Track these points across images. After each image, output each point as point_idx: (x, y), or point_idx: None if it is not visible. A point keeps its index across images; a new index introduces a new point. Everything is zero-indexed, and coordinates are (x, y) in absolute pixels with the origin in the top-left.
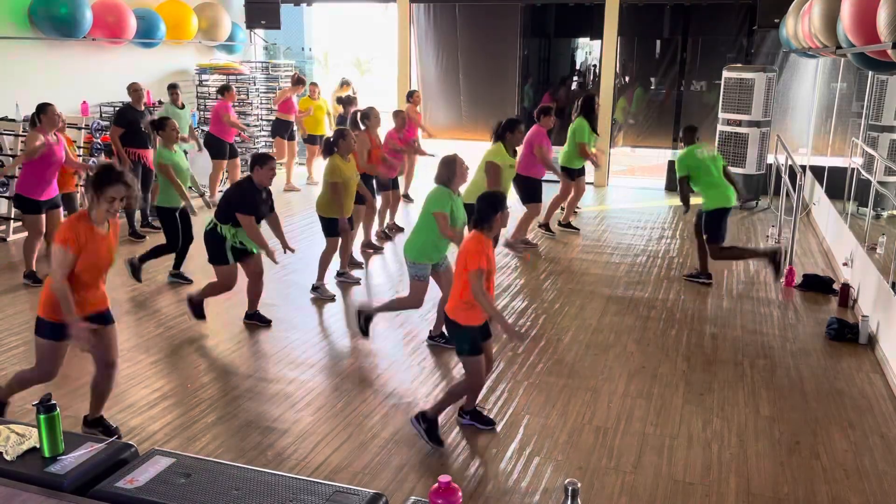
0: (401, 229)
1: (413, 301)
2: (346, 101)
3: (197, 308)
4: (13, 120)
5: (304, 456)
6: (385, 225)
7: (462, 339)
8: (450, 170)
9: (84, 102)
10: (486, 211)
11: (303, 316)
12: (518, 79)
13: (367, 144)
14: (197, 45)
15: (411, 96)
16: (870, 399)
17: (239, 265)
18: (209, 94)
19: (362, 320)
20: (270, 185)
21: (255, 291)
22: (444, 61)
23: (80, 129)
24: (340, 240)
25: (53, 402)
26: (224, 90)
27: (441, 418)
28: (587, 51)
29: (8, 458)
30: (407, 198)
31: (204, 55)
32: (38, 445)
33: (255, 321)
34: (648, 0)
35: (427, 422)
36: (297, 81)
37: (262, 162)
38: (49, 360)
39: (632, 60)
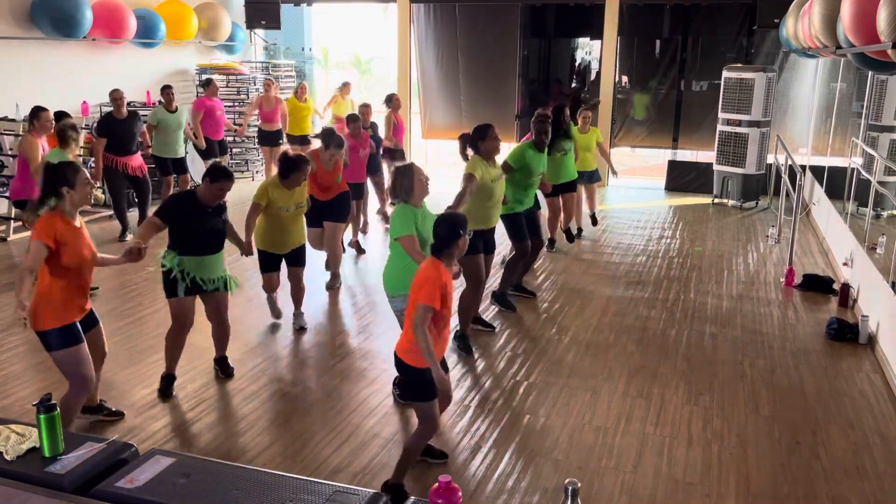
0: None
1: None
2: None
3: (164, 380)
4: (13, 120)
5: (304, 456)
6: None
7: (416, 383)
8: (407, 181)
9: (84, 102)
10: (447, 236)
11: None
12: (518, 79)
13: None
14: (197, 45)
15: (391, 100)
16: (870, 399)
17: (200, 299)
18: None
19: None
20: (214, 204)
21: (218, 334)
22: (444, 61)
23: (79, 129)
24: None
25: (53, 402)
26: (205, 85)
27: (443, 419)
28: (587, 51)
29: (8, 458)
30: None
31: (204, 55)
32: (38, 445)
33: (217, 367)
34: (648, 0)
35: (391, 490)
36: (266, 86)
37: (213, 177)
38: (78, 367)
39: (632, 60)
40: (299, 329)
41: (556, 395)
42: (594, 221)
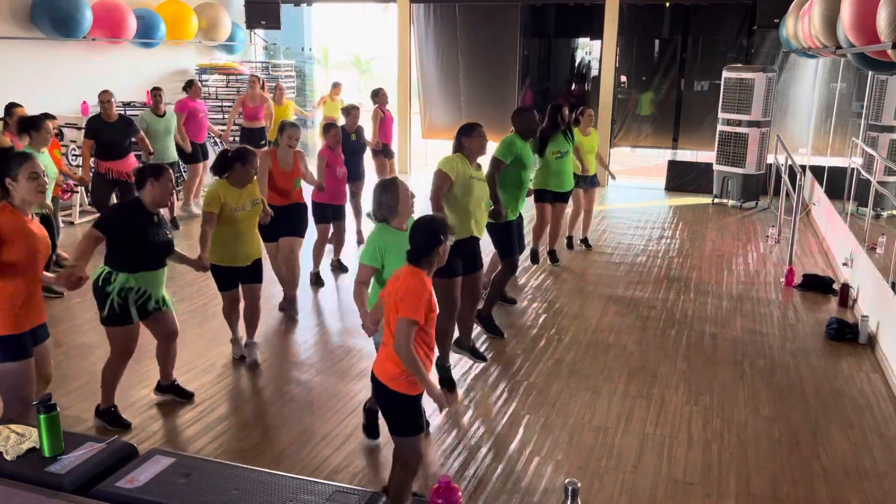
0: None
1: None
2: (346, 112)
3: (108, 415)
4: None
5: (304, 456)
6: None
7: (403, 414)
8: (390, 198)
9: (84, 102)
10: (425, 243)
11: (302, 316)
12: (518, 79)
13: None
14: (197, 45)
15: (377, 95)
16: (870, 399)
17: (144, 325)
18: (209, 94)
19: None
20: (167, 204)
21: (166, 357)
22: (444, 61)
23: (79, 129)
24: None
25: (53, 401)
26: (186, 86)
27: (442, 419)
28: (587, 51)
29: (8, 458)
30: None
31: (204, 55)
32: (37, 445)
33: (172, 395)
34: (648, 0)
35: None
36: (251, 83)
37: (156, 175)
38: (19, 385)
39: (632, 60)
40: (252, 364)
41: (556, 395)
42: (587, 245)
